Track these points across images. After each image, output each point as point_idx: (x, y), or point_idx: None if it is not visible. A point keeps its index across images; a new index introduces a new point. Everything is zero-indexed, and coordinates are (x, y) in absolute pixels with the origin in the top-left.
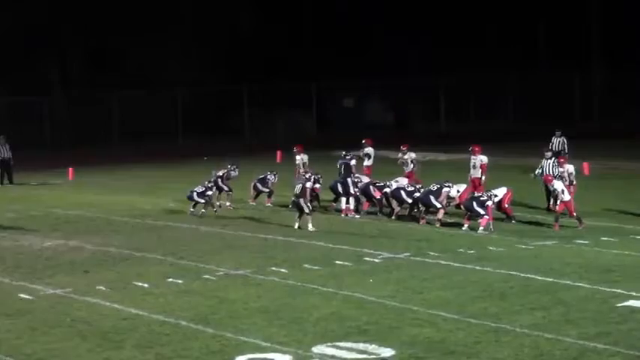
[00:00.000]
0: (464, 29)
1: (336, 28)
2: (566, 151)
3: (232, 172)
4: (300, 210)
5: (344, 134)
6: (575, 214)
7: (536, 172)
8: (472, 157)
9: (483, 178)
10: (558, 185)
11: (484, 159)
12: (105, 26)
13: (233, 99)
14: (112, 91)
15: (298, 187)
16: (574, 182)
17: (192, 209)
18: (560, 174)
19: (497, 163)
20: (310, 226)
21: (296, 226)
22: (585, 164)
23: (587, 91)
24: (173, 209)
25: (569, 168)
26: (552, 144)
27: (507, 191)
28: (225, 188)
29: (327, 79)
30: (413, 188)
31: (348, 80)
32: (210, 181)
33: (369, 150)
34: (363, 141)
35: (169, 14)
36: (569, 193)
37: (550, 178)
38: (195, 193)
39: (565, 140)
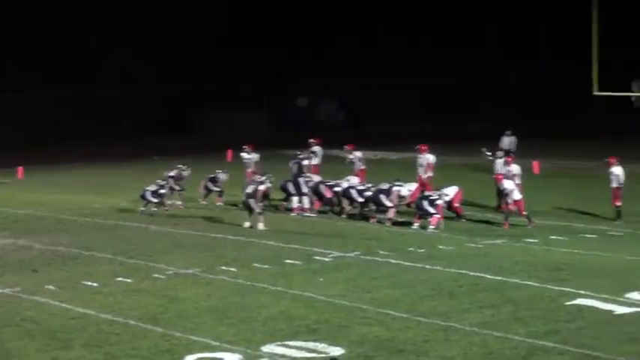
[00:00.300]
0: (439, 29)
1: (290, 27)
2: (514, 150)
3: (184, 172)
4: (250, 210)
5: (296, 133)
6: (525, 212)
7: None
8: (419, 156)
9: (430, 176)
10: (508, 184)
11: (431, 158)
12: (64, 25)
13: (186, 98)
14: (65, 90)
15: (251, 188)
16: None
17: (143, 208)
18: (507, 173)
19: (446, 162)
20: (261, 226)
21: (246, 224)
22: (535, 163)
23: (537, 92)
24: (123, 208)
25: (515, 168)
26: (502, 142)
27: (458, 190)
28: (177, 188)
29: (280, 79)
30: (364, 187)
31: (302, 80)
32: (163, 179)
33: (317, 149)
34: (311, 140)
35: (126, 12)
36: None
37: (500, 177)
38: (148, 192)
39: (515, 139)
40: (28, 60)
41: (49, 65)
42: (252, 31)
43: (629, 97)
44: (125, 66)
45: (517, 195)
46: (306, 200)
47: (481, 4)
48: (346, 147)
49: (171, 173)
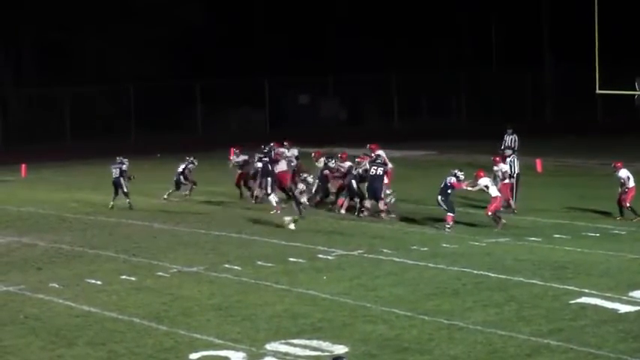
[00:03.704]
0: (418, 27)
1: (291, 24)
2: (516, 148)
3: (191, 165)
4: (299, 207)
5: (297, 131)
6: (495, 213)
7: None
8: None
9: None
10: (483, 181)
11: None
12: (54, 23)
13: (186, 95)
14: (64, 88)
15: (301, 186)
16: (506, 180)
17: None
18: (495, 172)
19: (452, 160)
20: (292, 225)
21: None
22: (538, 161)
23: (539, 89)
24: (126, 206)
25: (502, 167)
26: (505, 141)
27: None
28: (187, 183)
29: (281, 76)
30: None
31: (303, 77)
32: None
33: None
34: (285, 143)
35: (121, 9)
36: (503, 190)
37: (482, 174)
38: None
39: (516, 137)
40: (37, 58)
41: (48, 62)
42: (253, 28)
43: (632, 95)
44: (121, 62)
45: (494, 192)
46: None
47: (435, 3)
48: (369, 146)
49: (180, 168)
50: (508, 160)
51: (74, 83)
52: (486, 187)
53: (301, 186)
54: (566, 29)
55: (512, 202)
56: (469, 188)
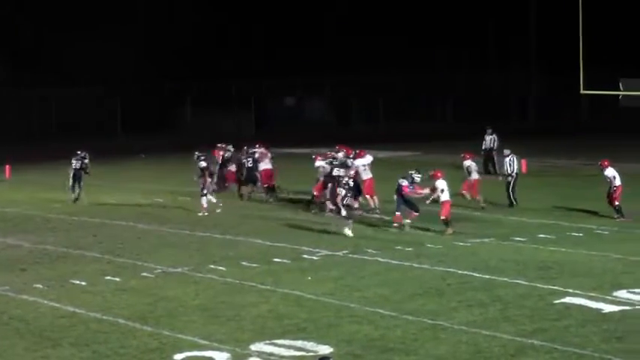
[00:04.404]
0: (411, 30)
1: (279, 27)
2: (495, 148)
3: (202, 162)
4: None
5: (283, 132)
6: (443, 217)
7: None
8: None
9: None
10: (440, 183)
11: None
12: (43, 23)
13: (174, 96)
14: (52, 89)
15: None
16: (474, 176)
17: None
18: (465, 168)
19: (440, 160)
20: (347, 231)
21: (349, 233)
22: (523, 161)
23: (524, 90)
24: (110, 207)
25: (466, 163)
26: (485, 142)
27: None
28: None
29: (268, 78)
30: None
31: (289, 79)
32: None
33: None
34: (257, 145)
35: (113, 10)
36: (471, 186)
37: (439, 174)
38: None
39: (496, 137)
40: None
41: (36, 62)
42: (240, 30)
43: (617, 95)
44: (108, 63)
45: (445, 196)
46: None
47: (429, 5)
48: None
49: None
50: (507, 159)
51: (62, 84)
52: (442, 190)
53: (342, 191)
54: (551, 31)
55: (479, 198)
56: (423, 192)
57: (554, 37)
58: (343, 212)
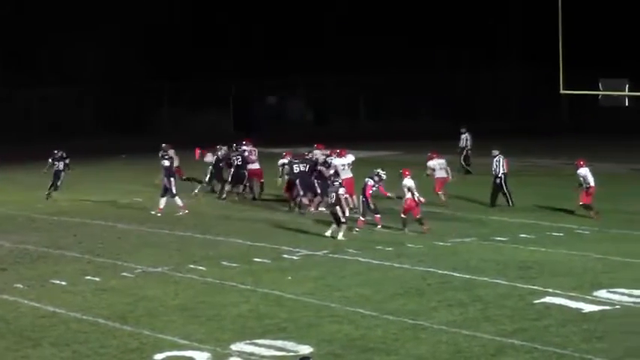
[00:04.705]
0: (386, 29)
1: (258, 27)
2: (469, 147)
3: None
4: (337, 219)
5: (263, 132)
6: (404, 216)
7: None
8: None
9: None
10: (407, 182)
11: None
12: (22, 24)
13: (152, 97)
14: (32, 90)
15: (332, 196)
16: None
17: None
18: (429, 167)
19: (415, 160)
20: (340, 235)
21: (328, 233)
22: (505, 161)
23: (505, 90)
24: (90, 206)
25: (430, 163)
26: (461, 141)
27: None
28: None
29: (248, 78)
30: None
31: (269, 79)
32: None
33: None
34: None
35: (89, 10)
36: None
37: (407, 173)
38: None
39: (469, 137)
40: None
41: (15, 63)
42: (219, 30)
43: (597, 95)
44: (88, 63)
45: (411, 195)
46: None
47: (405, 4)
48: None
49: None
50: (495, 160)
51: (42, 84)
52: (409, 189)
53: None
54: (531, 31)
55: (442, 195)
56: (388, 194)
57: (534, 37)
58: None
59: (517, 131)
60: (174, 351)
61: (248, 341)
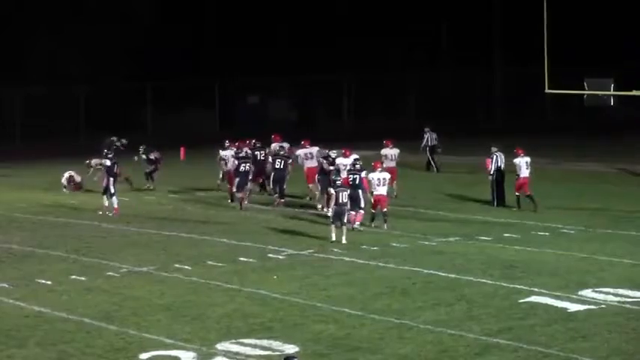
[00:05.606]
0: (368, 28)
1: (242, 25)
2: (434, 145)
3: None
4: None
5: (248, 132)
6: (374, 211)
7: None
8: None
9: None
10: (374, 175)
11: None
12: (3, 22)
13: (136, 96)
14: (14, 89)
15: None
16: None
17: None
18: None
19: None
20: (344, 239)
21: (333, 237)
22: (488, 160)
23: (489, 89)
24: (75, 206)
25: (384, 151)
26: (427, 139)
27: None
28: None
29: (231, 77)
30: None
31: (253, 78)
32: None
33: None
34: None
35: (72, 9)
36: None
37: (378, 166)
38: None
39: (432, 136)
40: None
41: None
42: (203, 29)
43: (582, 94)
44: (71, 63)
45: (380, 190)
46: None
47: (384, 3)
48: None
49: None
50: (494, 157)
51: (24, 83)
52: (378, 181)
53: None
54: (516, 29)
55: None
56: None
57: (519, 36)
58: (330, 213)
59: (502, 131)
60: (159, 350)
61: (234, 340)
